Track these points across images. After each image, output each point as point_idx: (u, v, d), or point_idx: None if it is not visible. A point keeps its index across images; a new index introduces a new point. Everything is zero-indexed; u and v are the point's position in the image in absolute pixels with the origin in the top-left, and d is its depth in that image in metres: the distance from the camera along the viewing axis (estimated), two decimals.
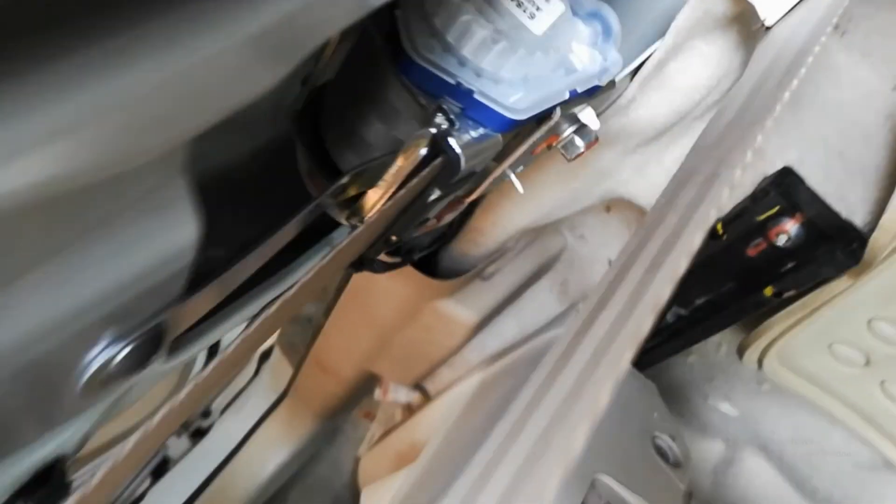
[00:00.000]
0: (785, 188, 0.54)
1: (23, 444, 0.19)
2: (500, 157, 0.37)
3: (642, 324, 0.25)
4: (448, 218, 0.43)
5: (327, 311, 0.80)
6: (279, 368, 1.00)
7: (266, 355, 1.03)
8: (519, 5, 0.33)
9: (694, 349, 0.73)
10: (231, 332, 0.34)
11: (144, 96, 0.15)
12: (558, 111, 0.34)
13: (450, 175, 0.31)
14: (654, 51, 0.43)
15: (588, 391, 0.24)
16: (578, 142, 0.40)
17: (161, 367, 0.27)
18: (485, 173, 0.38)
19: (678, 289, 0.26)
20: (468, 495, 0.24)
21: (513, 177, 0.40)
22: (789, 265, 0.56)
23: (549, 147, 0.40)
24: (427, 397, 0.86)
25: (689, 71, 0.46)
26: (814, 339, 0.61)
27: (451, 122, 0.30)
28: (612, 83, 0.38)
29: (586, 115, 0.38)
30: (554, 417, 0.24)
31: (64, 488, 0.25)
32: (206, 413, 0.99)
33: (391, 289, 0.72)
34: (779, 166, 0.56)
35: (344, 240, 0.29)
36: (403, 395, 0.87)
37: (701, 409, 0.79)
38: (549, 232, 0.79)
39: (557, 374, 0.26)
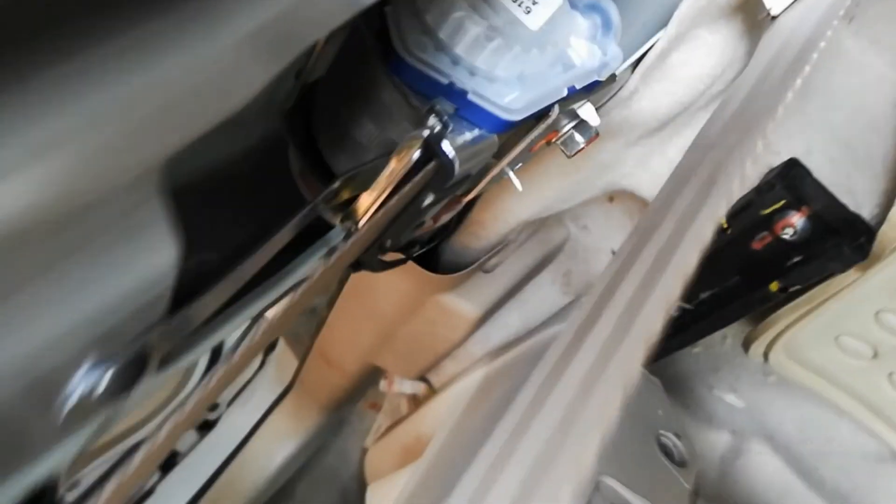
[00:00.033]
0: (791, 181, 0.52)
1: (3, 475, 0.18)
2: (497, 156, 0.36)
3: (653, 325, 0.24)
4: (445, 218, 0.42)
5: (331, 303, 0.79)
6: (284, 360, 1.00)
7: (271, 347, 1.03)
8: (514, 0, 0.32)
9: (699, 341, 0.72)
10: (231, 334, 0.33)
11: (136, 105, 0.15)
12: (556, 108, 0.33)
13: (443, 180, 0.30)
14: (657, 41, 0.42)
15: (598, 398, 0.24)
16: (578, 138, 0.39)
17: (154, 380, 0.26)
18: (482, 173, 0.37)
19: None
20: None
21: (511, 175, 0.39)
22: (795, 259, 0.55)
23: (549, 143, 0.39)
24: (432, 390, 0.86)
25: (692, 61, 0.45)
26: (821, 331, 0.60)
27: (445, 124, 0.29)
28: (612, 77, 0.37)
29: (586, 110, 0.37)
30: (561, 424, 0.24)
31: None
32: (214, 406, 1.00)
33: (393, 284, 0.72)
34: (784, 157, 0.55)
35: (340, 250, 0.28)
36: (409, 386, 0.87)
37: (706, 399, 0.78)
38: (552, 223, 0.78)
39: (560, 374, 0.25)
